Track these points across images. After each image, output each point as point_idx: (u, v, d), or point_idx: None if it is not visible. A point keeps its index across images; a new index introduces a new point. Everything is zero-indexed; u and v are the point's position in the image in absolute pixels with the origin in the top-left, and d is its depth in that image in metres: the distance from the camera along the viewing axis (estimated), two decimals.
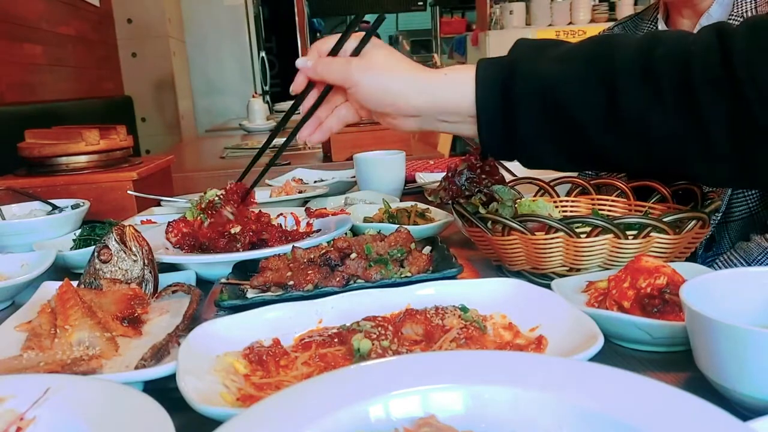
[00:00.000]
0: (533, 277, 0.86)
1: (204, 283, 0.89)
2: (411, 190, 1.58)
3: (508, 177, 1.00)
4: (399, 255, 0.85)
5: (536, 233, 0.82)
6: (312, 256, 0.85)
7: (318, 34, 7.38)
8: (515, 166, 0.97)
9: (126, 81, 3.98)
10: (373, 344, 0.61)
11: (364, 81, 0.82)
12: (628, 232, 0.78)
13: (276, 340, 0.66)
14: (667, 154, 0.76)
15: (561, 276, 0.82)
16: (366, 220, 1.16)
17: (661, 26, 1.25)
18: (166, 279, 0.88)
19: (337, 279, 0.79)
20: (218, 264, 0.91)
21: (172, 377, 0.57)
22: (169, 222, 1.00)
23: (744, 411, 0.51)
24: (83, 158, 1.46)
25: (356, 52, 0.85)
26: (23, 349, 0.70)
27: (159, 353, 0.64)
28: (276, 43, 6.44)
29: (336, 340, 0.65)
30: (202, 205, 0.99)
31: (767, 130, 0.70)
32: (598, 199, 1.02)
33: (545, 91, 0.77)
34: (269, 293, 0.80)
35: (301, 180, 1.70)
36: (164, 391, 0.56)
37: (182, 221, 0.99)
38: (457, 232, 1.10)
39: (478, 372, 0.46)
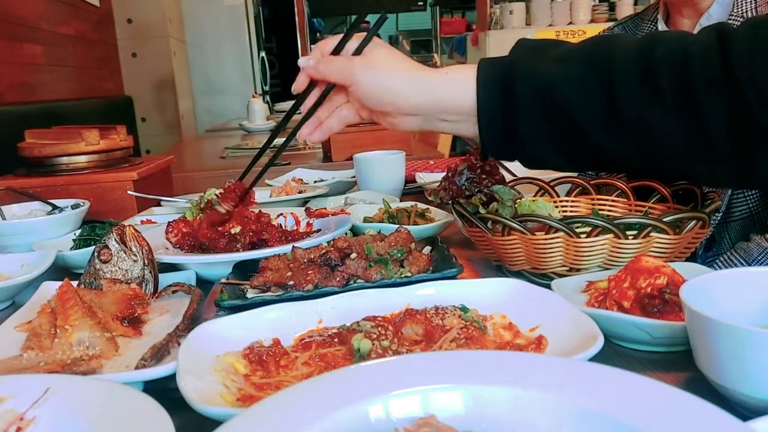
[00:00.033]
0: (533, 277, 0.86)
1: (204, 283, 0.89)
2: (411, 190, 1.58)
3: (508, 177, 1.00)
4: (399, 255, 0.85)
5: (536, 233, 0.82)
6: (312, 256, 0.85)
7: (318, 34, 7.38)
8: (515, 166, 0.97)
9: (126, 81, 3.98)
10: (373, 344, 0.61)
11: (365, 79, 0.82)
12: (628, 232, 0.78)
13: (276, 340, 0.66)
14: (667, 154, 0.76)
15: (561, 276, 0.82)
16: (366, 220, 1.16)
17: (661, 26, 1.25)
18: (166, 279, 0.88)
19: (337, 279, 0.79)
20: (218, 264, 0.91)
21: (172, 377, 0.57)
22: (169, 222, 1.00)
23: (744, 411, 0.51)
24: (83, 158, 1.46)
25: (358, 52, 0.85)
26: (23, 349, 0.70)
27: (159, 353, 0.64)
28: (276, 43, 6.44)
29: (336, 340, 0.65)
30: (201, 205, 0.99)
31: (767, 130, 0.70)
32: (598, 199, 1.02)
33: (545, 91, 0.78)
34: (269, 293, 0.80)
35: (301, 180, 1.70)
36: (164, 391, 0.56)
37: (182, 221, 0.99)
38: (457, 232, 1.10)
39: (478, 372, 0.46)
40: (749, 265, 1.00)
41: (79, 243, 1.10)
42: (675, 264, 0.73)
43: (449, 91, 0.82)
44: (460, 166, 0.93)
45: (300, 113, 0.91)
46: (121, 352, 0.70)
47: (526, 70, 0.79)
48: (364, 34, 0.86)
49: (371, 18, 0.92)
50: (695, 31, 0.78)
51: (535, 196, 1.06)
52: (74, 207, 1.27)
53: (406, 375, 0.46)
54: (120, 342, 0.72)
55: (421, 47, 8.23)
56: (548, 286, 0.73)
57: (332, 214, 1.13)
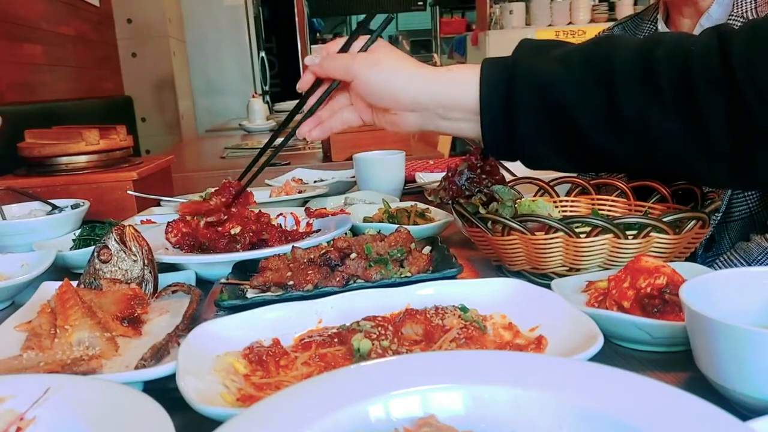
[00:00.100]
0: (533, 277, 0.86)
1: (204, 283, 0.89)
2: (411, 190, 1.58)
3: (508, 177, 1.00)
4: (399, 255, 0.85)
5: (536, 233, 0.82)
6: (312, 256, 0.85)
7: (318, 34, 7.39)
8: (515, 166, 0.97)
9: (126, 81, 3.97)
10: (373, 344, 0.61)
11: (366, 74, 0.83)
12: (627, 232, 0.78)
13: (276, 340, 0.66)
14: (667, 153, 0.77)
15: (561, 276, 0.82)
16: (366, 220, 1.16)
17: (661, 26, 1.25)
18: (166, 279, 0.88)
19: (337, 279, 0.79)
20: (218, 264, 0.91)
21: (172, 377, 0.57)
22: (168, 222, 0.99)
23: (744, 411, 0.51)
24: (83, 158, 1.46)
25: (362, 51, 0.87)
26: (23, 349, 0.70)
27: (159, 353, 0.64)
28: (276, 44, 6.44)
29: (336, 340, 0.65)
30: None
31: (767, 130, 0.70)
32: (598, 199, 1.02)
33: (545, 91, 0.78)
34: (269, 293, 0.80)
35: (301, 180, 1.70)
36: (164, 391, 0.56)
37: (182, 221, 0.99)
38: (457, 232, 1.10)
39: (478, 372, 0.46)
40: (749, 265, 1.00)
41: (79, 243, 1.10)
42: (675, 264, 0.73)
43: (451, 88, 0.82)
44: (460, 166, 0.93)
45: (303, 112, 0.91)
46: (121, 352, 0.70)
47: (526, 69, 0.79)
48: (368, 36, 0.87)
49: (374, 21, 0.92)
50: (695, 31, 0.78)
51: (535, 196, 1.06)
52: (74, 207, 1.27)
53: (406, 375, 0.46)
54: (120, 342, 0.72)
55: (421, 47, 8.24)
56: (548, 286, 0.73)
57: (332, 214, 1.13)
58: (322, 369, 0.61)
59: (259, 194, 1.35)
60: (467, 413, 0.44)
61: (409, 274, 0.82)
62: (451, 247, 0.89)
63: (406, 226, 0.95)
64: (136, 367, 0.62)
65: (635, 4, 5.29)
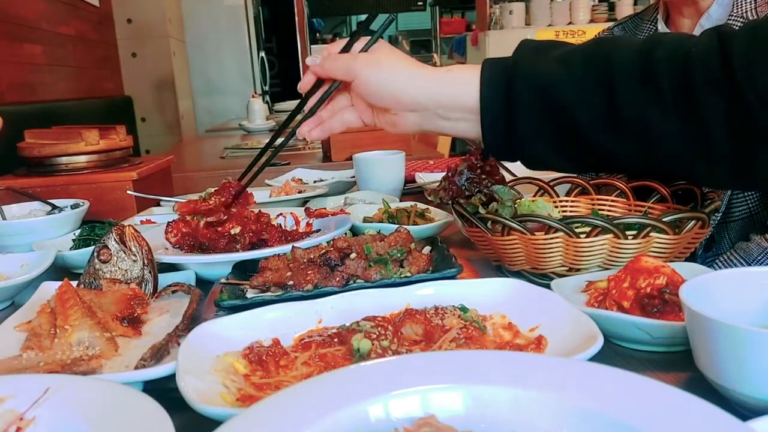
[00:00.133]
0: (533, 277, 0.86)
1: (204, 283, 0.89)
2: (411, 190, 1.58)
3: (508, 177, 1.00)
4: (399, 255, 0.85)
5: (536, 233, 0.82)
6: (312, 256, 0.85)
7: (318, 34, 7.39)
8: (515, 166, 0.97)
9: (126, 81, 3.98)
10: (373, 344, 0.61)
11: (367, 74, 0.84)
12: (627, 232, 0.78)
13: (276, 340, 0.66)
14: (667, 153, 0.77)
15: (561, 276, 0.82)
16: (366, 220, 1.16)
17: (661, 26, 1.25)
18: (165, 279, 0.88)
19: (337, 279, 0.79)
20: (218, 264, 0.91)
21: (171, 377, 0.57)
22: (168, 222, 0.99)
23: (744, 411, 0.51)
24: (83, 158, 1.46)
25: (363, 51, 0.87)
26: (23, 349, 0.70)
27: (159, 353, 0.64)
28: (276, 44, 6.44)
29: (336, 340, 0.65)
30: None
31: (767, 130, 0.70)
32: (597, 199, 1.02)
33: (545, 91, 0.78)
34: (269, 293, 0.80)
35: (301, 180, 1.70)
36: (164, 391, 0.56)
37: (182, 221, 0.99)
38: (457, 232, 1.10)
39: (478, 372, 0.46)
40: (749, 265, 1.00)
41: (79, 243, 1.10)
42: (675, 264, 0.73)
43: (451, 88, 0.83)
44: (460, 166, 0.93)
45: (304, 112, 0.91)
46: (120, 352, 0.70)
47: (527, 69, 0.79)
48: (369, 37, 0.87)
49: (375, 22, 0.92)
50: (695, 32, 0.78)
51: (534, 196, 1.06)
52: (74, 207, 1.27)
53: (406, 375, 0.46)
54: (120, 342, 0.72)
55: (420, 47, 8.24)
56: (548, 286, 0.73)
57: (332, 214, 1.13)
58: (322, 369, 0.61)
59: (259, 194, 1.35)
60: (467, 413, 0.44)
61: (408, 274, 0.82)
62: (451, 247, 0.89)
63: (405, 226, 0.95)
64: (136, 367, 0.62)
65: (635, 4, 5.30)
